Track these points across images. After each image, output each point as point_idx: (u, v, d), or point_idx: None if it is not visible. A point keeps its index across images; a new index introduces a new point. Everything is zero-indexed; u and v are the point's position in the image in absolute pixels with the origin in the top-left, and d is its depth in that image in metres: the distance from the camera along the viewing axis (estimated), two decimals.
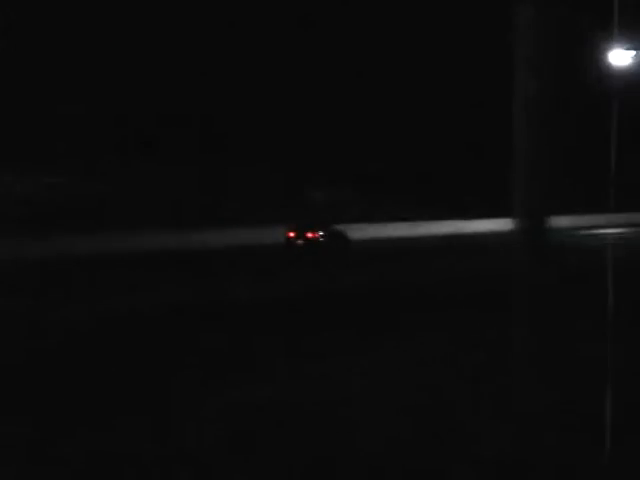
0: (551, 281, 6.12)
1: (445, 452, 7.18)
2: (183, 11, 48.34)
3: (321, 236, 28.85)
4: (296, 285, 19.38)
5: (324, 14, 50.21)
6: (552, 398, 6.37)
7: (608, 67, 41.54)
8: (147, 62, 47.35)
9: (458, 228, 36.41)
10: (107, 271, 24.52)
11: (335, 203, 46.77)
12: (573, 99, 49.45)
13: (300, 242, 28.86)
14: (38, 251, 28.39)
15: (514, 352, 6.10)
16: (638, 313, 13.45)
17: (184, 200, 41.44)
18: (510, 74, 6.12)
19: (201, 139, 47.47)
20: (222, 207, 40.18)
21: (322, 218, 30.67)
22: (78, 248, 29.45)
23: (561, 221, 33.68)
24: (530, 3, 5.87)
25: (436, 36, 50.90)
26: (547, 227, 6.08)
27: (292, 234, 29.24)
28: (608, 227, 37.33)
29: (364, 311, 15.97)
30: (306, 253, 27.95)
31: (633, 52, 40.82)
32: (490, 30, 35.24)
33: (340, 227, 30.28)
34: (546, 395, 6.14)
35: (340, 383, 9.92)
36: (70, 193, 40.69)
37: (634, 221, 41.96)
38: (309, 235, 28.81)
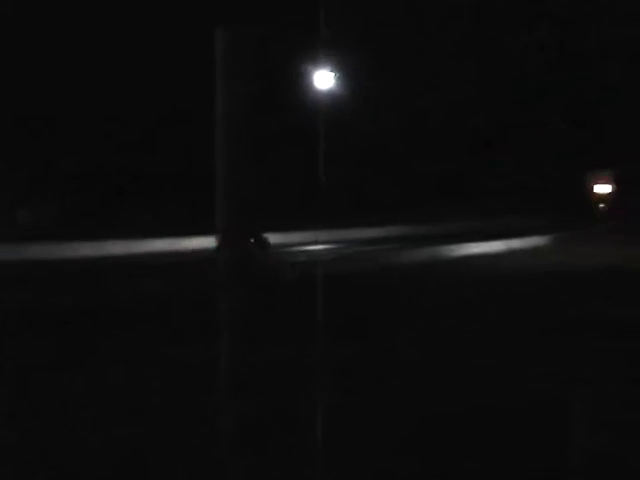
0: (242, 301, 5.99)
1: None
2: None
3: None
4: None
5: None
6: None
7: (313, 89, 43.06)
8: None
9: (169, 245, 35.68)
10: None
11: (41, 221, 44.95)
12: (283, 118, 51.01)
13: None
14: None
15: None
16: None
17: None
18: (213, 94, 6.12)
19: None
20: None
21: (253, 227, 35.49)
22: None
23: (272, 238, 34.59)
24: (228, 27, 5.92)
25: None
26: (253, 245, 5.94)
27: None
28: (318, 244, 38.54)
29: None
30: None
31: (334, 74, 42.60)
32: (193, 54, 35.35)
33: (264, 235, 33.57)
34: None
35: None
36: None
37: (343, 237, 43.61)
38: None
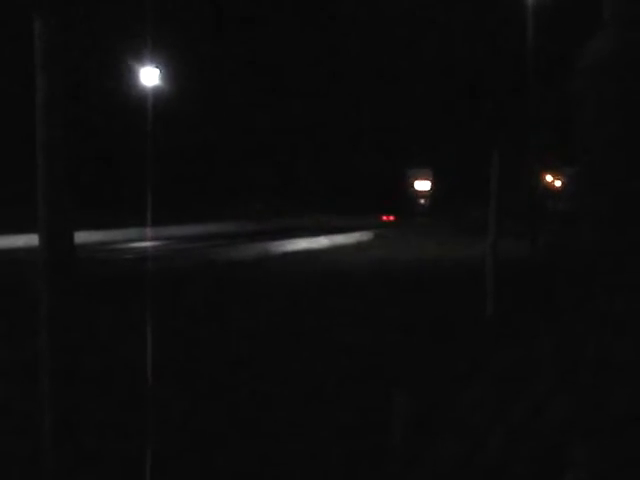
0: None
1: None
2: None
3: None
4: None
5: None
6: None
7: (140, 86, 42.63)
8: None
9: None
10: None
11: None
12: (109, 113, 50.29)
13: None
14: None
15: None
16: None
17: None
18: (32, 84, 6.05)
19: None
20: None
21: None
22: None
23: (93, 236, 34.09)
24: (49, 17, 5.79)
25: None
26: (70, 242, 6.04)
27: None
28: (142, 241, 38.21)
29: None
30: None
31: (158, 71, 42.20)
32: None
33: None
34: None
35: None
36: None
37: (171, 234, 43.24)
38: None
